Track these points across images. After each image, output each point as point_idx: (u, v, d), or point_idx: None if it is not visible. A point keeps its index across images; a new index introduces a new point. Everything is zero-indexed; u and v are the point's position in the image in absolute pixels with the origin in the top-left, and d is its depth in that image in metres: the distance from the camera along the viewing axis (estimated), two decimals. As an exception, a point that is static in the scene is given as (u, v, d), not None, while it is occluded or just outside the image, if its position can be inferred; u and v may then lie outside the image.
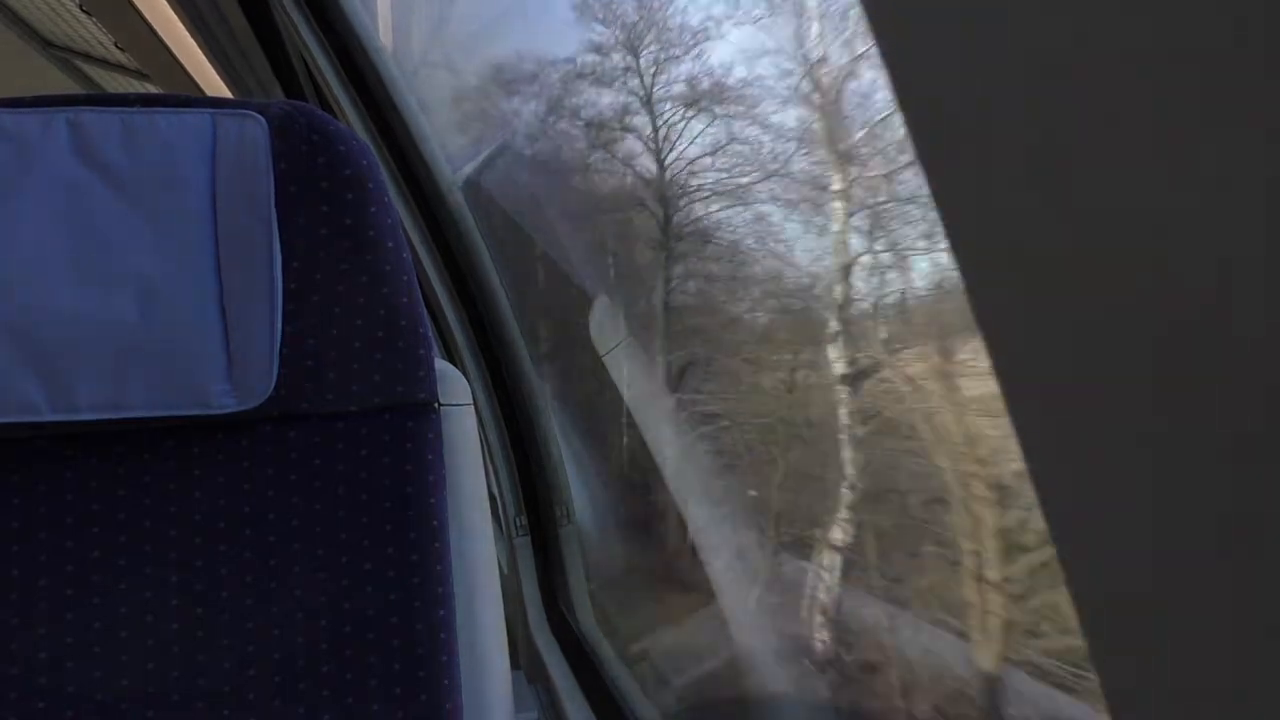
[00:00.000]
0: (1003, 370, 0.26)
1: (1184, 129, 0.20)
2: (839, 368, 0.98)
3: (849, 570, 1.02)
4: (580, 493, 1.42)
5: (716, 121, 1.08)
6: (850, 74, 0.88)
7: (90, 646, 0.59)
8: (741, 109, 1.04)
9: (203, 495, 0.62)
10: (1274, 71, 0.18)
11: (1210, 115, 0.19)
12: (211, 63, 1.92)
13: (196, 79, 2.19)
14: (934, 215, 0.25)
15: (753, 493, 1.19)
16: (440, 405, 0.66)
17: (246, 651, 0.61)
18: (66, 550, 0.59)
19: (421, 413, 0.65)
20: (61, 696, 0.58)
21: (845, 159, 0.91)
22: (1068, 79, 0.22)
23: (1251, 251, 0.19)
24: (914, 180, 0.83)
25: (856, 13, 0.85)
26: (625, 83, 1.19)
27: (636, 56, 1.17)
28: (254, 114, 0.61)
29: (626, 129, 1.22)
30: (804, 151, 0.97)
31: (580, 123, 1.31)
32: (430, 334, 0.66)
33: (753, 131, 1.03)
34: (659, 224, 1.23)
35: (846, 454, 1.00)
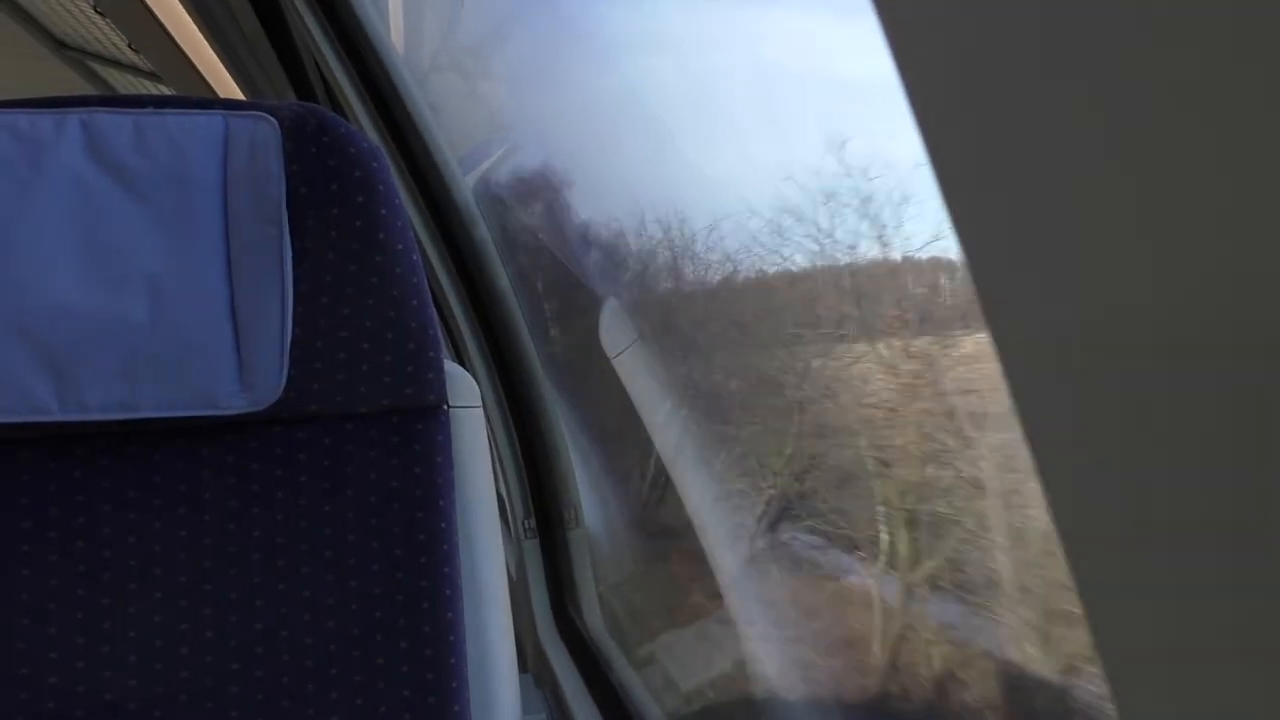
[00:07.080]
0: (1010, 369, 0.26)
1: (1185, 127, 0.20)
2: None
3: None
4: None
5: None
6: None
7: (99, 646, 0.59)
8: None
9: (212, 496, 0.62)
10: (1275, 71, 0.18)
11: (1212, 113, 0.19)
12: (224, 64, 1.93)
13: (209, 80, 2.20)
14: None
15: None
16: (449, 407, 0.66)
17: (255, 653, 0.61)
18: (76, 550, 0.59)
19: (431, 414, 0.65)
20: (71, 696, 0.58)
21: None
22: (1072, 76, 0.21)
23: (1258, 247, 0.19)
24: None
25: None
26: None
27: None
28: (265, 116, 0.61)
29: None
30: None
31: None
32: (440, 335, 0.66)
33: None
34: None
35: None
